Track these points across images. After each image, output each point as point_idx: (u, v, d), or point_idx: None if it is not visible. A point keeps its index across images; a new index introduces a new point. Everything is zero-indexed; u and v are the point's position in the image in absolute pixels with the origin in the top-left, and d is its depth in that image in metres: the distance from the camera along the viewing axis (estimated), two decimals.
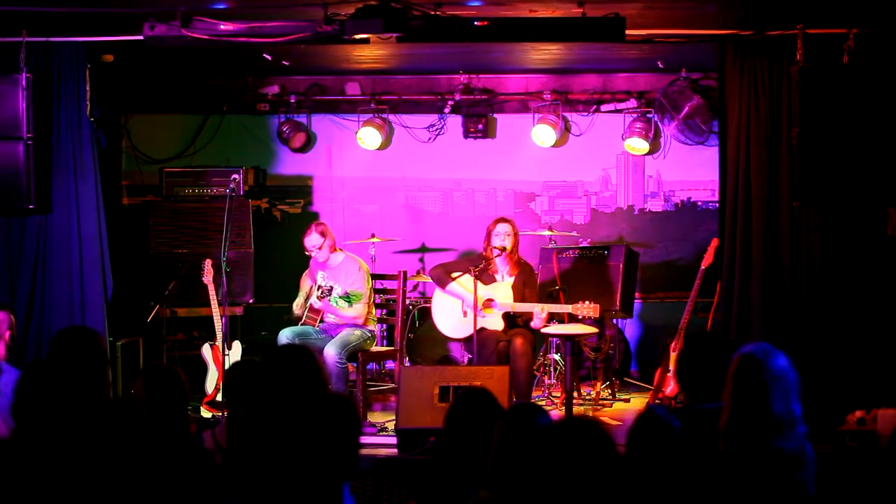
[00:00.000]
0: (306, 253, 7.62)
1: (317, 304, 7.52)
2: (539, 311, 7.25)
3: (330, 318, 7.60)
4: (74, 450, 3.20)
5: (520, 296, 7.43)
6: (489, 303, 7.38)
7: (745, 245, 7.21)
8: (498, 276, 7.51)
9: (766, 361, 3.50)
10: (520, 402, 3.63)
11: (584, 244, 8.89)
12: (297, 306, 7.69)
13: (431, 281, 7.81)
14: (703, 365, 3.84)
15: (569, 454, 2.71)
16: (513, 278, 7.48)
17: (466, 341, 7.52)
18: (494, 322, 7.35)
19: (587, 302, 7.21)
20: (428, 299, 8.39)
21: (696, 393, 3.87)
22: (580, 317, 7.30)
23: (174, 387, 3.87)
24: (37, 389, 3.54)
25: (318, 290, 7.47)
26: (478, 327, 7.17)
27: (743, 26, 7.14)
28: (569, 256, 8.42)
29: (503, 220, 7.50)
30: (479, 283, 7.19)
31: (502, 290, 7.42)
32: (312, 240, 7.54)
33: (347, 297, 7.48)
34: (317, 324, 7.57)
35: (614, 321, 8.44)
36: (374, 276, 7.97)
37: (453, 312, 7.53)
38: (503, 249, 7.38)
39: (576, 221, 9.56)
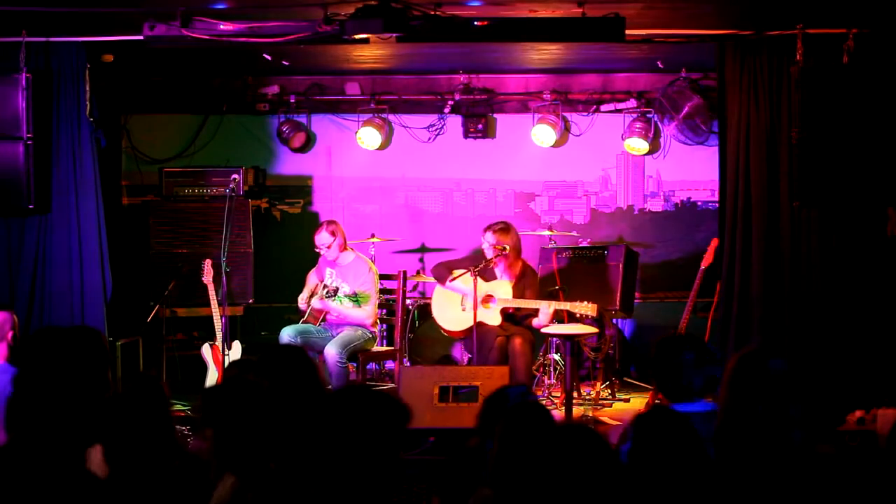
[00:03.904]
0: (316, 250, 7.65)
1: (318, 304, 7.53)
2: (546, 307, 7.29)
3: (332, 317, 7.60)
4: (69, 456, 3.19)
5: (520, 296, 7.47)
6: (488, 298, 7.41)
7: (745, 245, 7.22)
8: (499, 275, 7.55)
9: (762, 364, 3.51)
10: (523, 401, 3.61)
11: (584, 244, 8.89)
12: (301, 301, 7.70)
13: (433, 279, 7.85)
14: (675, 365, 3.92)
15: (563, 458, 2.71)
16: (514, 280, 7.54)
17: (464, 337, 7.56)
18: (492, 317, 7.40)
19: (585, 302, 7.25)
20: (428, 299, 8.40)
21: (672, 393, 3.95)
22: (578, 315, 7.33)
23: (155, 396, 3.61)
24: (31, 398, 3.50)
25: (323, 289, 7.49)
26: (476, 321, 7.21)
27: (743, 26, 7.15)
28: (569, 256, 8.43)
29: (490, 229, 7.53)
30: (481, 280, 7.25)
31: (502, 287, 7.47)
32: (322, 238, 7.58)
33: (356, 298, 7.50)
34: (318, 322, 7.58)
35: (614, 321, 8.44)
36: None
37: (452, 306, 7.59)
38: (503, 249, 7.43)
39: (576, 221, 9.56)
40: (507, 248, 7.53)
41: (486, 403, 3.69)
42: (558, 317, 7.77)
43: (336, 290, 7.45)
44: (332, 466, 2.78)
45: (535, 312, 7.42)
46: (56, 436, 3.24)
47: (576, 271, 8.30)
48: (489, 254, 7.45)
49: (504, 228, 7.50)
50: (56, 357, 3.95)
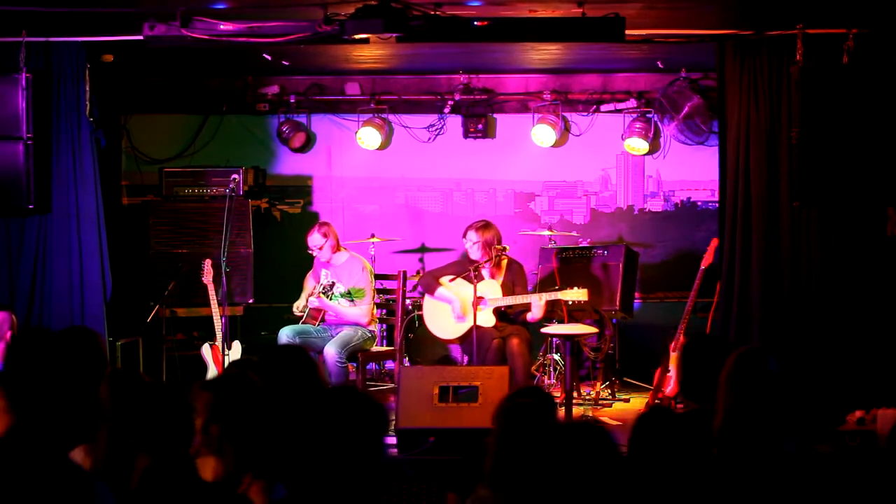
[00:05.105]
0: (308, 252, 7.65)
1: (315, 302, 7.53)
2: (537, 300, 7.30)
3: (331, 316, 7.60)
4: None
5: (510, 293, 7.48)
6: (479, 300, 7.40)
7: (745, 245, 7.22)
8: (486, 275, 7.56)
9: (758, 364, 3.51)
10: (518, 401, 3.60)
11: (584, 244, 8.89)
12: (297, 308, 7.69)
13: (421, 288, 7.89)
14: (706, 368, 3.86)
15: (571, 457, 2.70)
16: (501, 277, 7.55)
17: (460, 342, 7.57)
18: (485, 319, 7.40)
19: (575, 288, 7.26)
20: None
21: (701, 397, 3.90)
22: (570, 302, 7.33)
23: (141, 396, 3.41)
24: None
25: (320, 287, 7.50)
26: (471, 327, 7.21)
27: (743, 26, 7.15)
28: (568, 256, 8.42)
29: (471, 228, 7.57)
30: (468, 284, 7.27)
31: (490, 287, 7.48)
32: (314, 239, 7.59)
33: (349, 295, 7.50)
34: (317, 323, 7.58)
35: (614, 321, 8.43)
36: (374, 276, 7.98)
37: (443, 315, 7.60)
38: (503, 249, 7.48)
39: (576, 221, 9.56)
40: (507, 247, 7.58)
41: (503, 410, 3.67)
42: (558, 317, 7.77)
43: (332, 286, 7.46)
44: (317, 466, 2.79)
45: (529, 307, 7.42)
46: (42, 434, 3.23)
47: (576, 271, 8.29)
48: (474, 254, 7.46)
49: (485, 225, 7.54)
50: (52, 358, 3.94)
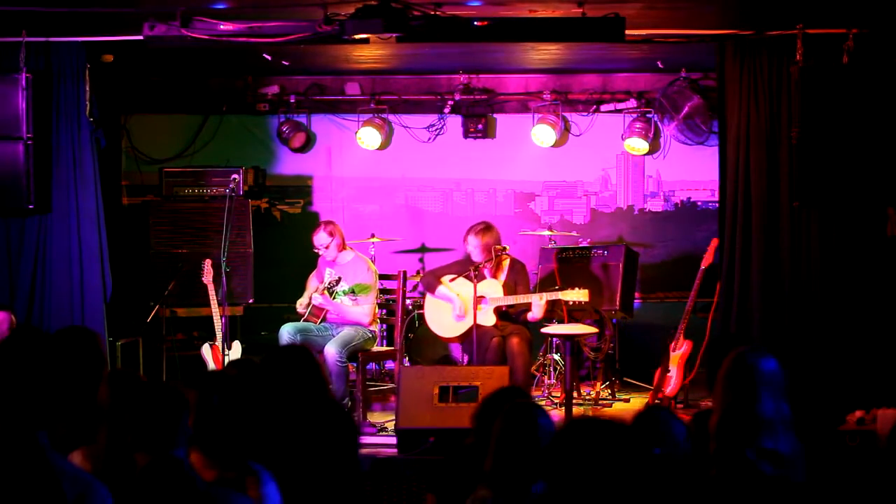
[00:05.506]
0: (314, 251, 7.65)
1: (318, 299, 7.53)
2: (538, 300, 7.30)
3: (332, 315, 7.60)
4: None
5: (512, 292, 7.48)
6: (479, 299, 7.40)
7: (745, 245, 7.22)
8: (487, 275, 7.56)
9: (756, 363, 3.52)
10: (519, 402, 3.61)
11: (584, 244, 8.88)
12: (300, 305, 7.69)
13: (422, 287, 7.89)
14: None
15: (580, 454, 2.70)
16: (503, 277, 7.54)
17: (461, 340, 7.57)
18: (486, 318, 7.40)
19: (576, 288, 7.26)
20: None
21: None
22: (570, 302, 7.34)
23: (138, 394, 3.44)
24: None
25: (324, 283, 7.50)
26: (471, 326, 7.21)
27: (743, 26, 7.15)
28: (568, 256, 8.42)
29: (471, 231, 7.56)
30: (469, 283, 7.25)
31: (492, 287, 7.48)
32: (320, 238, 7.58)
33: (353, 291, 7.50)
34: (318, 321, 7.57)
35: (614, 321, 8.43)
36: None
37: (444, 314, 7.60)
38: (504, 249, 7.47)
39: (576, 221, 9.56)
40: (508, 247, 7.58)
41: (484, 405, 3.70)
42: (558, 317, 7.77)
43: (338, 280, 7.45)
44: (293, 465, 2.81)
45: (529, 307, 7.42)
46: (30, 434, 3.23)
47: (576, 271, 8.28)
48: (476, 256, 7.46)
49: (485, 228, 7.53)
50: (42, 357, 3.93)
